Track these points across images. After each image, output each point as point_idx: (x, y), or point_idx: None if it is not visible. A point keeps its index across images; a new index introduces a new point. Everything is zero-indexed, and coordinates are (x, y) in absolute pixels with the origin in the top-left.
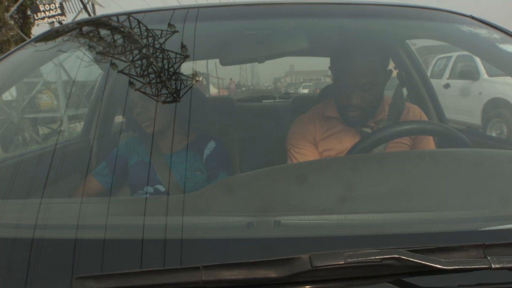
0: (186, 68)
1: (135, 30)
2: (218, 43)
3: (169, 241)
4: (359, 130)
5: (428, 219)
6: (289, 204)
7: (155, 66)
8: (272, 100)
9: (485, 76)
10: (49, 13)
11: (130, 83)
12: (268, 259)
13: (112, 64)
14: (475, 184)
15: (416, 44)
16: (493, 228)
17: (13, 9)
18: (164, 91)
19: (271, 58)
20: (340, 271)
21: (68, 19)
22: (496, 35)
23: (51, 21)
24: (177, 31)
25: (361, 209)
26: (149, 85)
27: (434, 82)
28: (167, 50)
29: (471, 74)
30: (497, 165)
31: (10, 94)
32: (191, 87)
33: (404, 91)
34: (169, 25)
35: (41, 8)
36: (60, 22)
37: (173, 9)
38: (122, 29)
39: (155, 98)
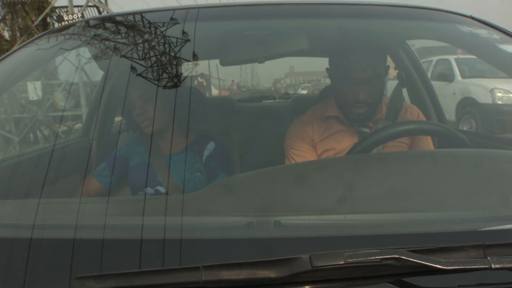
0: (186, 68)
1: (135, 30)
2: (218, 43)
3: (169, 241)
4: (358, 130)
5: (428, 219)
6: (289, 204)
7: (155, 66)
8: (272, 101)
9: (459, 78)
10: (73, 21)
11: (130, 83)
12: (268, 259)
13: (112, 65)
14: (475, 184)
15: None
16: (493, 228)
17: (39, 18)
18: (163, 91)
19: (271, 59)
20: (340, 271)
21: None
22: (496, 35)
23: None
24: (178, 31)
25: (361, 209)
26: (148, 85)
27: None
28: (167, 50)
29: (447, 76)
30: (497, 165)
31: (36, 94)
32: (191, 87)
33: (404, 91)
34: (169, 25)
35: (65, 18)
36: None
37: (173, 9)
38: (122, 30)
39: (155, 98)
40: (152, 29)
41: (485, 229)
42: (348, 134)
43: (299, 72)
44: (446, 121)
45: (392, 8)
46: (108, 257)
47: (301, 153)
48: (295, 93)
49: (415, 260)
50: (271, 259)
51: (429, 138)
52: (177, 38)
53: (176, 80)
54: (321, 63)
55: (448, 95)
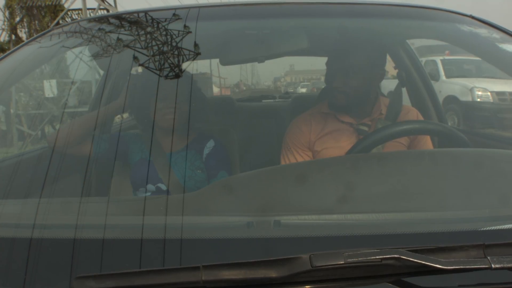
0: (187, 67)
1: (136, 29)
2: (219, 42)
3: (169, 241)
4: (356, 128)
5: (428, 219)
6: (289, 204)
7: (156, 64)
8: (272, 100)
9: (444, 77)
10: (76, 20)
11: (129, 83)
12: (268, 259)
13: (112, 63)
14: (475, 184)
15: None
16: (493, 228)
17: (56, 19)
18: (170, 89)
19: (271, 58)
20: (340, 271)
21: None
22: (496, 34)
23: None
24: (178, 31)
25: (361, 209)
26: (148, 85)
27: None
28: (167, 50)
29: (433, 76)
30: (497, 165)
31: (51, 92)
32: (191, 87)
33: (404, 91)
34: (170, 24)
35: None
36: None
37: (174, 8)
38: (122, 28)
39: (155, 97)
40: (153, 28)
41: (485, 229)
42: (346, 132)
43: (299, 70)
44: (446, 120)
45: (392, 7)
46: (108, 257)
47: (296, 152)
48: (295, 92)
49: (415, 260)
50: (271, 259)
51: (427, 138)
52: (177, 37)
53: (177, 79)
54: (321, 62)
55: None
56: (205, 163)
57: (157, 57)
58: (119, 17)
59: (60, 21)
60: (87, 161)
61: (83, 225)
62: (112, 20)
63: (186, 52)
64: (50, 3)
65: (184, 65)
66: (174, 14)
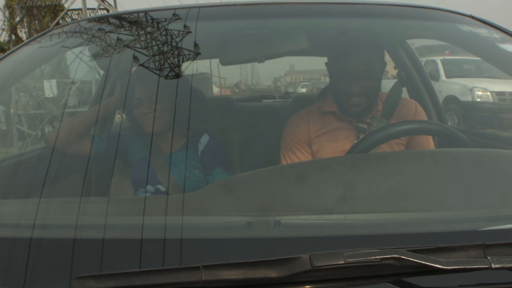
0: (187, 67)
1: (136, 29)
2: (219, 42)
3: (169, 241)
4: (355, 126)
5: (428, 219)
6: (289, 204)
7: (156, 64)
8: (272, 100)
9: (444, 77)
10: (76, 20)
11: (137, 82)
12: (268, 259)
13: (112, 63)
14: (475, 184)
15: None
16: (493, 228)
17: (56, 19)
18: (167, 90)
19: (271, 58)
20: (340, 271)
21: None
22: (496, 34)
23: None
24: (178, 31)
25: (361, 209)
26: (155, 85)
27: None
28: (167, 50)
29: (433, 76)
30: (497, 165)
31: (51, 92)
32: (191, 87)
33: (404, 90)
34: (170, 24)
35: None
36: None
37: (174, 8)
38: (122, 28)
39: (162, 99)
40: (153, 28)
41: (485, 229)
42: (345, 130)
43: (299, 70)
44: (446, 120)
45: (392, 7)
46: (108, 257)
47: (295, 149)
48: (295, 92)
49: (415, 260)
50: (271, 259)
51: (427, 137)
52: (177, 37)
53: (177, 79)
54: (321, 62)
55: None
56: (201, 159)
57: (157, 57)
58: (119, 17)
59: (60, 21)
60: (87, 161)
61: (83, 225)
62: (112, 20)
63: (186, 52)
64: (50, 3)
65: (184, 65)
66: (174, 14)
